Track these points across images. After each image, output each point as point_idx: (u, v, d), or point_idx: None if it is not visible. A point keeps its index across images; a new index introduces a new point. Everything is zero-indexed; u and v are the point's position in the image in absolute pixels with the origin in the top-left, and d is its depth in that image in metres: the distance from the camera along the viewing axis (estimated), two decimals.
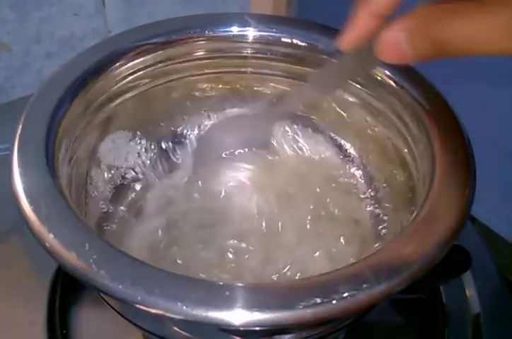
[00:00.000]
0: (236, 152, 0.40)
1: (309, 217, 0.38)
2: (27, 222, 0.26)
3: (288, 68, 0.39)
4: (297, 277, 0.35)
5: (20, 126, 0.30)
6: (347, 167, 0.40)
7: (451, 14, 0.20)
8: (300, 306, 0.23)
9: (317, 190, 0.40)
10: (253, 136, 0.39)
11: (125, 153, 0.39)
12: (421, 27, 0.21)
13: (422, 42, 0.21)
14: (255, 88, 0.41)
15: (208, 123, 0.42)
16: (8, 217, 0.40)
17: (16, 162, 0.28)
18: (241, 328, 0.23)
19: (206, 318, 0.23)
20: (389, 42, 0.22)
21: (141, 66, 0.36)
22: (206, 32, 0.37)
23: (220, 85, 0.41)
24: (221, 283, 0.24)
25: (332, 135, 0.41)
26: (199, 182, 0.40)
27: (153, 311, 0.23)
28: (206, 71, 0.39)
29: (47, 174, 0.28)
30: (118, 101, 0.37)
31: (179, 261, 0.36)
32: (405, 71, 0.34)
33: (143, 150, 0.40)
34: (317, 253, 0.36)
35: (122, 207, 0.38)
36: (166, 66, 0.37)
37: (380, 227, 0.37)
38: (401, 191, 0.35)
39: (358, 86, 0.37)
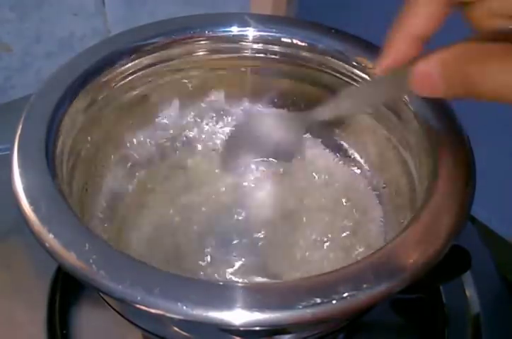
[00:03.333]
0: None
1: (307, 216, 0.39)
2: (27, 222, 0.26)
3: (288, 68, 0.39)
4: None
5: (20, 126, 0.30)
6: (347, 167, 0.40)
7: (486, 56, 0.19)
8: (300, 306, 0.23)
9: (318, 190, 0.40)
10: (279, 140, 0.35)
11: (126, 152, 0.39)
12: (456, 63, 0.20)
13: (455, 78, 0.20)
14: (255, 88, 0.41)
15: (206, 122, 0.42)
16: (8, 217, 0.40)
17: (16, 162, 0.28)
18: (241, 328, 0.23)
19: (206, 318, 0.23)
20: (422, 74, 0.21)
21: (141, 66, 0.36)
22: (206, 32, 0.37)
23: (221, 85, 0.41)
24: (221, 283, 0.24)
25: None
26: None
27: (152, 311, 0.23)
28: (206, 71, 0.39)
29: (47, 174, 0.28)
30: (118, 101, 0.37)
31: None
32: None
33: (143, 149, 0.40)
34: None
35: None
36: (166, 65, 0.37)
37: (380, 226, 0.37)
38: (401, 191, 0.35)
39: None
